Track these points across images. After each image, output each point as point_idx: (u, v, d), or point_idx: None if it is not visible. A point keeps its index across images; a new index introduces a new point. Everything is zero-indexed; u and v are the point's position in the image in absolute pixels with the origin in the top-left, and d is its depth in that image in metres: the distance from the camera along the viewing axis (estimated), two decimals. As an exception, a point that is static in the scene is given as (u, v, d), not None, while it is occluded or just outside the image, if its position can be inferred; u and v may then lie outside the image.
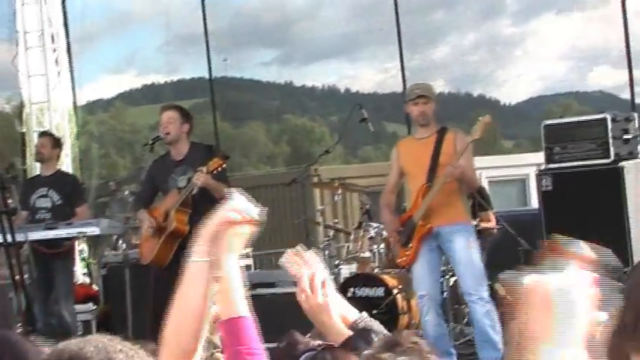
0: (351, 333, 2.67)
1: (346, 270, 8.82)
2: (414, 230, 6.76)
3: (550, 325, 1.55)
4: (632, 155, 7.39)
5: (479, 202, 8.20)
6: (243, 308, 2.21)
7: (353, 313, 2.80)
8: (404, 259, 6.84)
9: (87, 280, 10.53)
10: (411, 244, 6.77)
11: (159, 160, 7.40)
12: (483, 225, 8.19)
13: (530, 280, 1.56)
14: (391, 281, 7.93)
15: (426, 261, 6.75)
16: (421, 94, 6.82)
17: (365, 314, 2.84)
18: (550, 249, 1.56)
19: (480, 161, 16.41)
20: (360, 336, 2.63)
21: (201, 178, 6.68)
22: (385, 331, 2.71)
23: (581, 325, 1.56)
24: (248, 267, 9.44)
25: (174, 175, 7.10)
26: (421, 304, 6.80)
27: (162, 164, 7.27)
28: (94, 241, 9.01)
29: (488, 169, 15.48)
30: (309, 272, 2.74)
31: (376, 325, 2.76)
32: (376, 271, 8.27)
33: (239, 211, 2.25)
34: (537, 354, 1.54)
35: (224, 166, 6.77)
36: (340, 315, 2.74)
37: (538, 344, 1.55)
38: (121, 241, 9.49)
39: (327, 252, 8.45)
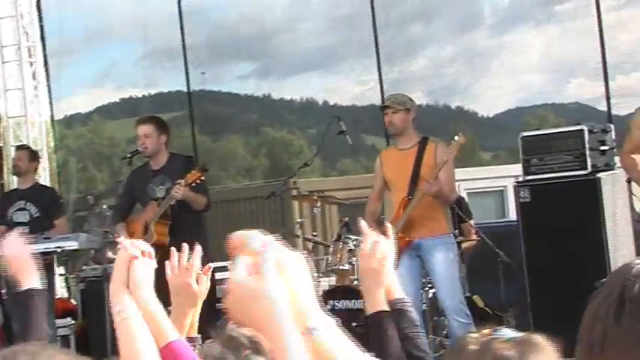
0: (386, 309, 2.72)
1: (325, 283, 8.80)
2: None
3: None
4: (608, 167, 7.43)
5: (457, 213, 8.23)
6: (171, 333, 2.24)
7: (398, 292, 2.85)
8: None
9: (65, 294, 10.46)
10: None
11: (137, 170, 7.40)
12: (461, 238, 8.22)
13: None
14: (370, 294, 7.92)
15: (407, 269, 6.77)
16: (386, 105, 6.89)
17: (407, 299, 2.88)
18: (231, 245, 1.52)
19: (458, 173, 16.46)
20: (392, 315, 2.68)
21: (180, 191, 6.68)
22: (418, 322, 2.76)
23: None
24: (226, 280, 9.39)
25: (152, 185, 7.10)
26: None
27: (141, 174, 7.27)
28: (72, 256, 8.96)
29: (466, 180, 15.55)
30: (376, 239, 2.76)
31: (413, 314, 2.82)
32: (355, 283, 8.25)
33: (135, 246, 2.29)
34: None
35: (203, 178, 6.77)
36: (386, 287, 2.78)
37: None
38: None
39: (306, 265, 8.43)
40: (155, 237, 6.82)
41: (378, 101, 11.19)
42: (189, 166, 6.91)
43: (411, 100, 7.13)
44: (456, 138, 6.76)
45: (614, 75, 9.80)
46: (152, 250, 2.32)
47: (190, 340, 2.70)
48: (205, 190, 7.00)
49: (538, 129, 7.90)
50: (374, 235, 2.82)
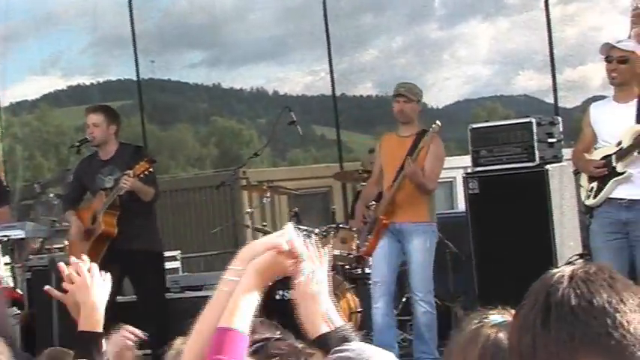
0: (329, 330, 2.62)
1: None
2: (375, 223, 6.97)
3: None
4: (556, 159, 7.52)
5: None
6: (240, 323, 2.14)
7: (337, 320, 2.73)
8: (364, 249, 7.11)
9: (11, 283, 10.33)
10: (371, 235, 6.99)
11: (86, 160, 7.35)
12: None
13: None
14: (320, 284, 7.94)
15: (385, 250, 6.96)
16: (399, 93, 6.97)
17: (349, 326, 2.74)
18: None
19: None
20: (336, 340, 2.56)
21: (128, 181, 6.65)
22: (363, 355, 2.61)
23: None
24: (176, 270, 9.37)
25: (100, 175, 7.06)
26: (373, 291, 6.96)
27: (90, 164, 7.22)
28: (17, 245, 8.84)
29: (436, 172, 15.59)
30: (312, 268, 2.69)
31: (356, 343, 2.63)
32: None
33: (290, 242, 2.19)
34: None
35: (151, 169, 6.75)
36: (326, 318, 2.68)
37: None
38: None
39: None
40: (103, 227, 6.79)
41: (328, 91, 11.21)
42: (139, 157, 6.88)
43: (420, 91, 7.28)
44: (433, 125, 6.88)
45: (561, 68, 9.89)
46: (301, 259, 2.21)
47: None
48: (154, 181, 6.99)
49: (487, 121, 7.97)
50: (310, 262, 2.76)
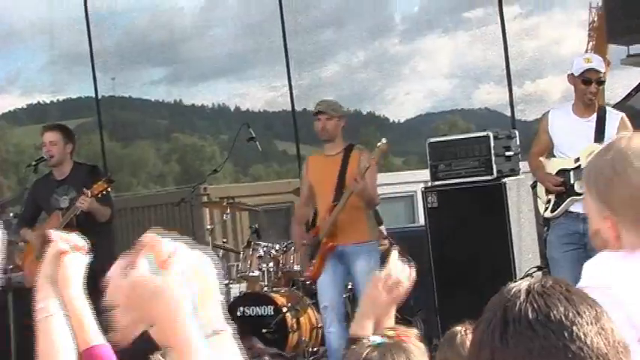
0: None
1: (236, 289, 8.78)
2: (319, 246, 6.86)
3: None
4: (513, 172, 7.57)
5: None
6: (95, 336, 2.13)
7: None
8: (308, 273, 6.96)
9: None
10: (315, 260, 6.87)
11: (41, 180, 7.30)
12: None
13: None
14: (280, 300, 7.94)
15: (330, 274, 6.86)
16: (320, 111, 6.91)
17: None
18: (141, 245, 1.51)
19: (368, 179, 16.59)
20: None
21: (85, 202, 6.61)
22: None
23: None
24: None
25: (56, 195, 7.01)
26: (324, 316, 6.92)
27: (45, 184, 7.17)
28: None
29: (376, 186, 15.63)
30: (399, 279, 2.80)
31: None
32: (265, 289, 8.27)
33: (66, 240, 2.17)
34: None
35: (108, 189, 6.72)
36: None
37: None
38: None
39: (216, 271, 8.40)
40: (59, 246, 6.73)
41: (289, 107, 11.22)
42: (95, 176, 6.85)
43: (341, 107, 7.18)
44: (379, 144, 6.83)
45: (520, 81, 10.00)
46: (86, 244, 2.19)
47: None
48: (110, 201, 6.96)
49: (445, 135, 8.02)
50: (399, 271, 2.81)
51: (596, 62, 6.17)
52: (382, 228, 8.65)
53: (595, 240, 2.37)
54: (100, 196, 6.64)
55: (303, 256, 7.23)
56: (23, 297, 7.34)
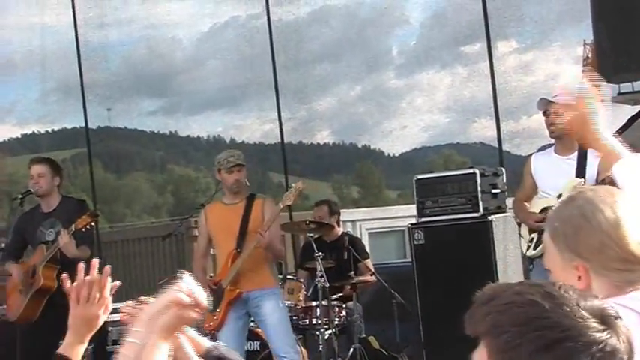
0: None
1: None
2: (223, 295, 6.81)
3: None
4: (500, 209, 7.60)
5: (352, 253, 8.32)
6: None
7: (205, 342, 2.69)
8: (211, 323, 6.80)
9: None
10: (218, 309, 6.80)
11: (28, 213, 7.30)
12: (359, 278, 8.28)
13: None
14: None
15: (232, 326, 6.82)
16: (239, 163, 6.90)
17: (221, 344, 2.72)
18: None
19: (358, 213, 16.62)
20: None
21: (63, 239, 6.60)
22: None
23: None
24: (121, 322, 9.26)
25: (42, 228, 7.01)
26: None
27: (31, 217, 7.17)
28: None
29: (367, 220, 15.66)
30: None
31: (233, 355, 2.58)
32: (252, 325, 8.24)
33: (190, 293, 2.12)
34: None
35: (92, 224, 6.71)
36: (194, 341, 2.63)
37: None
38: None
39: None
40: (42, 281, 6.72)
41: (285, 139, 11.29)
42: (81, 211, 6.84)
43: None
44: (293, 185, 6.92)
45: (518, 116, 10.03)
46: (206, 307, 2.15)
47: None
48: (91, 240, 6.96)
49: (432, 172, 8.04)
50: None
51: (558, 96, 6.08)
52: (368, 262, 8.66)
53: None
54: (84, 230, 6.63)
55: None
56: (5, 329, 7.33)
